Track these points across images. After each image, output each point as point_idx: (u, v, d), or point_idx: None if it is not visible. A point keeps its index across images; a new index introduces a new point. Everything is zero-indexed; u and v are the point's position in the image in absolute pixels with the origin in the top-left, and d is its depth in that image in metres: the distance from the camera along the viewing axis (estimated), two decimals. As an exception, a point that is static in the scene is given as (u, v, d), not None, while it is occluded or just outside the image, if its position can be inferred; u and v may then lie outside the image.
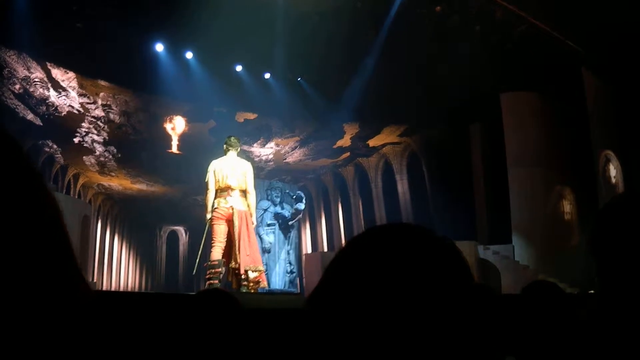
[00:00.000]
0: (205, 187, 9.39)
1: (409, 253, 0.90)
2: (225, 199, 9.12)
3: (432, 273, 0.89)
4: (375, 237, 0.96)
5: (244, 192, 9.31)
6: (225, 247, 9.19)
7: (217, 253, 9.06)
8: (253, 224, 9.40)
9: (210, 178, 9.27)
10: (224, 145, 9.60)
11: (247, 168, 9.43)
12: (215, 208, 9.15)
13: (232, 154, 9.49)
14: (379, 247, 0.92)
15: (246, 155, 19.78)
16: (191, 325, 2.34)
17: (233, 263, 9.06)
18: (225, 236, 9.13)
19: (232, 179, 9.19)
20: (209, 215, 9.23)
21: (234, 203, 9.12)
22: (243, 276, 8.95)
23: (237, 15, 12.93)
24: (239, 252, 8.94)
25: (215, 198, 9.23)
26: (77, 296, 0.74)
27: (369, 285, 0.87)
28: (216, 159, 9.52)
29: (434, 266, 0.90)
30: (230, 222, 9.07)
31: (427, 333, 0.84)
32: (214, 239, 9.13)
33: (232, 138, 9.67)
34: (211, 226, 9.18)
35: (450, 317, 0.86)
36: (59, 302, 0.70)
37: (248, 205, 9.35)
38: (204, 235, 9.78)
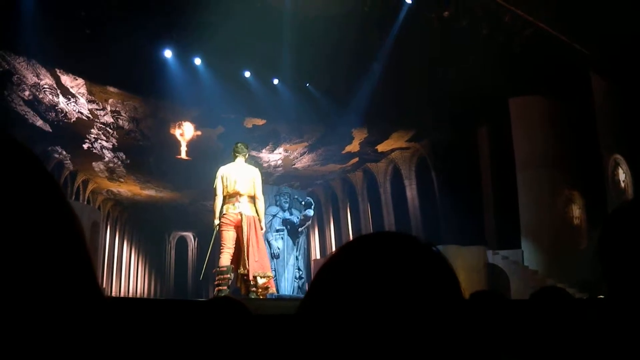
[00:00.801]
0: (213, 193, 9.43)
1: (396, 261, 0.91)
2: (234, 204, 9.15)
3: (418, 281, 0.89)
4: (363, 246, 0.97)
5: (252, 198, 9.35)
6: (234, 253, 9.20)
7: (225, 259, 9.07)
8: (262, 229, 9.41)
9: (218, 184, 9.31)
10: (232, 152, 9.65)
11: (255, 174, 9.47)
12: (223, 214, 9.17)
13: (240, 160, 9.56)
14: (366, 255, 0.93)
15: (255, 161, 19.81)
16: (201, 333, 2.34)
17: (242, 269, 9.07)
18: (234, 242, 9.16)
19: (240, 185, 9.22)
20: (217, 222, 9.28)
21: (243, 209, 9.15)
22: (252, 282, 8.95)
23: (245, 20, 12.97)
24: (248, 258, 8.97)
25: (223, 204, 9.27)
26: (92, 302, 0.75)
27: (355, 292, 0.87)
28: (224, 165, 9.55)
29: (420, 274, 0.90)
30: (239, 228, 9.11)
31: (413, 340, 0.84)
32: (222, 245, 9.15)
33: (240, 144, 9.76)
34: (220, 232, 9.19)
35: (436, 324, 0.86)
36: (75, 307, 0.71)
37: (257, 211, 9.35)
38: (212, 241, 9.82)
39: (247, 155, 9.75)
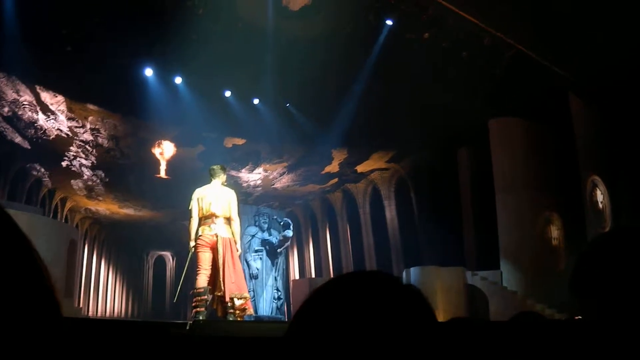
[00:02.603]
0: (189, 215, 9.35)
1: (376, 301, 0.92)
2: (209, 226, 9.08)
3: (398, 320, 0.90)
4: (341, 286, 0.98)
5: (228, 220, 9.26)
6: (211, 274, 9.12)
7: (202, 281, 9.00)
8: (238, 251, 9.32)
9: (194, 206, 9.25)
10: (209, 174, 9.57)
11: (231, 196, 9.38)
12: (199, 236, 9.10)
13: (216, 182, 9.46)
14: (345, 295, 0.94)
15: (234, 180, 19.81)
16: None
17: (218, 291, 8.98)
18: (211, 263, 9.06)
19: (216, 207, 9.15)
20: (192, 243, 9.18)
21: (219, 230, 9.08)
22: (229, 304, 8.87)
23: (226, 40, 13.00)
24: (224, 280, 8.86)
25: (199, 226, 9.20)
26: (43, 321, 0.73)
27: (335, 332, 0.88)
28: (200, 187, 9.49)
29: (399, 314, 0.92)
30: (214, 249, 9.02)
31: None
32: (199, 266, 9.07)
33: (216, 167, 9.65)
34: (196, 254, 9.11)
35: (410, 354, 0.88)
36: (24, 326, 0.70)
37: (232, 233, 9.28)
38: (187, 263, 9.78)
39: (224, 177, 9.63)
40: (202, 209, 9.16)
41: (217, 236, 9.01)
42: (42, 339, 0.70)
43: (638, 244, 1.37)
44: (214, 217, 9.10)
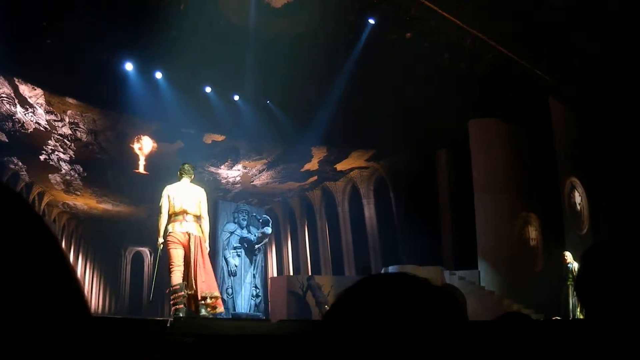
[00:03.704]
0: (158, 211, 9.34)
1: (411, 301, 0.92)
2: (180, 223, 9.07)
3: (429, 320, 0.91)
4: (373, 287, 0.98)
5: (198, 218, 9.28)
6: (183, 271, 9.10)
7: (177, 277, 8.94)
8: (207, 249, 9.30)
9: (164, 203, 9.22)
10: (178, 172, 9.57)
11: (201, 194, 9.42)
12: (170, 232, 9.07)
13: (185, 180, 9.45)
14: (378, 296, 0.94)
15: (213, 177, 19.76)
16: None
17: (190, 289, 8.97)
18: (183, 260, 9.05)
19: (187, 204, 9.16)
20: (161, 240, 9.18)
21: (190, 228, 9.10)
22: (201, 302, 8.90)
23: (208, 36, 12.97)
24: (196, 279, 8.90)
25: (168, 223, 9.17)
26: (79, 321, 0.74)
27: (369, 332, 0.88)
28: (170, 184, 9.47)
29: (431, 314, 0.92)
30: (186, 247, 9.03)
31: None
32: (172, 263, 9.01)
33: (187, 165, 9.66)
34: (168, 251, 9.07)
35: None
36: (62, 326, 0.70)
37: (202, 232, 9.30)
38: (157, 261, 9.77)
39: (193, 176, 9.61)
40: (173, 206, 9.15)
41: (189, 234, 9.03)
42: (74, 338, 0.71)
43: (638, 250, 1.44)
44: (185, 214, 9.11)
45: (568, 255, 13.91)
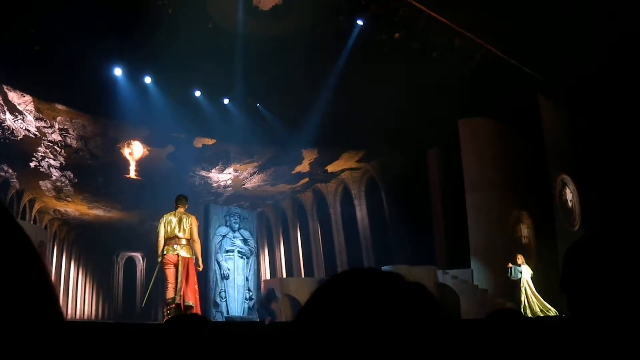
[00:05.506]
0: (156, 236, 11.09)
1: (384, 296, 0.92)
2: (173, 247, 10.83)
3: (406, 314, 0.91)
4: (346, 282, 0.98)
5: (189, 241, 11.03)
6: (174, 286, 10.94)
7: (170, 292, 10.76)
8: (199, 267, 11.31)
9: (161, 229, 10.97)
10: (174, 202, 11.26)
11: (192, 221, 11.13)
12: (165, 254, 10.83)
13: (180, 209, 11.16)
14: (352, 291, 0.93)
15: (204, 181, 19.73)
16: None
17: (179, 299, 10.72)
18: (175, 277, 10.79)
19: (179, 230, 10.89)
20: (159, 259, 10.94)
21: (180, 251, 10.81)
22: (183, 311, 10.48)
23: (196, 40, 12.95)
24: (181, 292, 10.68)
25: (165, 245, 10.90)
26: (51, 326, 0.74)
27: (344, 328, 0.88)
28: (167, 213, 11.15)
29: (407, 308, 0.92)
30: (177, 266, 10.77)
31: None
32: (167, 281, 10.81)
33: (182, 197, 11.35)
34: (164, 270, 10.85)
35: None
36: (34, 331, 0.70)
37: (193, 252, 11.14)
38: (155, 274, 11.66)
39: (187, 206, 11.29)
40: (167, 231, 10.93)
41: (178, 256, 10.79)
42: (46, 342, 0.71)
43: (623, 244, 1.44)
44: (177, 239, 10.88)
45: (520, 258, 14.38)
